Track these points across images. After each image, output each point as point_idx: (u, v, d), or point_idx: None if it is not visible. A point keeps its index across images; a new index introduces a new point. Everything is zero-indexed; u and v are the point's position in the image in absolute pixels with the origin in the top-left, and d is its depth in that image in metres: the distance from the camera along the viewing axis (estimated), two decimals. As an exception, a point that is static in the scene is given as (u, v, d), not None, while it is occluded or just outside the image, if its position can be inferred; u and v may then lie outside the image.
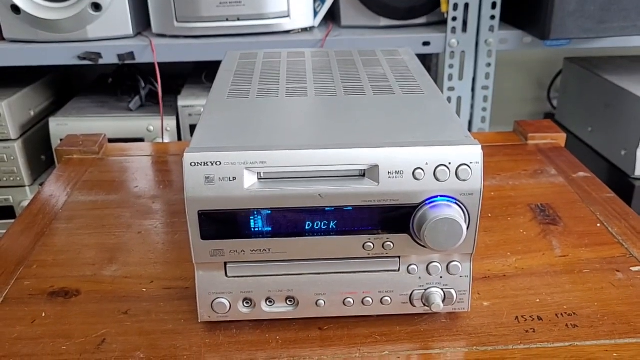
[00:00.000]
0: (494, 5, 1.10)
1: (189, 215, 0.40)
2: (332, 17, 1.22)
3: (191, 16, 1.09)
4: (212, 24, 1.10)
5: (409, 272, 0.43)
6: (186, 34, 1.11)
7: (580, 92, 1.29)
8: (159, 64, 1.10)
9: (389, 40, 1.13)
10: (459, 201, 0.40)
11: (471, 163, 0.39)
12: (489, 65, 1.15)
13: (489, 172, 0.69)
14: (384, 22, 1.16)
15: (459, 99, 1.18)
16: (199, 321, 0.44)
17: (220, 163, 0.39)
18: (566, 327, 0.45)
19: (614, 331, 0.44)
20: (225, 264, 0.43)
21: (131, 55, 1.10)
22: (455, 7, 1.10)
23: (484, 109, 1.19)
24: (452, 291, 0.44)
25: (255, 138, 0.42)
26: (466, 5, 1.10)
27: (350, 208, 0.40)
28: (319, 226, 0.41)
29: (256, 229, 0.41)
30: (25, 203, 1.17)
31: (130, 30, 1.12)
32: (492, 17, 1.11)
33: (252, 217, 0.40)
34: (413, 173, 0.39)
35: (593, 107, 1.23)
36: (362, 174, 0.40)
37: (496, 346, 0.43)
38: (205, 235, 0.41)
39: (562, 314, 0.46)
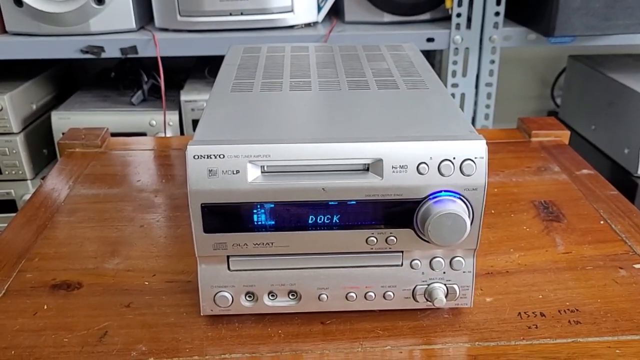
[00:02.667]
0: (498, 2, 1.10)
1: (191, 208, 0.40)
2: (336, 12, 1.22)
3: (194, 10, 1.09)
4: (215, 18, 1.09)
5: (412, 267, 0.43)
6: (189, 28, 1.11)
7: (584, 90, 1.28)
8: (162, 58, 1.10)
9: (392, 36, 1.12)
10: (463, 196, 0.40)
11: (476, 158, 0.39)
12: (492, 62, 1.14)
13: (493, 169, 0.69)
14: (388, 18, 1.16)
15: (463, 95, 1.18)
16: (201, 314, 0.44)
17: (224, 156, 0.39)
18: (569, 324, 0.45)
19: (617, 328, 0.44)
20: (228, 257, 0.42)
21: (134, 49, 1.10)
22: (460, 3, 1.10)
23: (488, 106, 1.19)
24: (455, 286, 0.44)
25: (258, 131, 0.42)
26: (470, 2, 1.10)
27: (354, 202, 0.40)
28: (322, 220, 0.41)
29: (259, 223, 0.41)
30: (27, 196, 1.17)
31: (133, 24, 1.12)
32: (497, 14, 1.11)
33: (255, 211, 0.40)
34: (417, 168, 0.39)
35: (597, 105, 1.23)
36: (366, 168, 0.40)
37: (498, 342, 0.43)
38: (208, 229, 0.41)
39: (564, 311, 0.46)
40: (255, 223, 0.41)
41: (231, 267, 0.43)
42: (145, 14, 1.16)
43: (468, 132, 0.41)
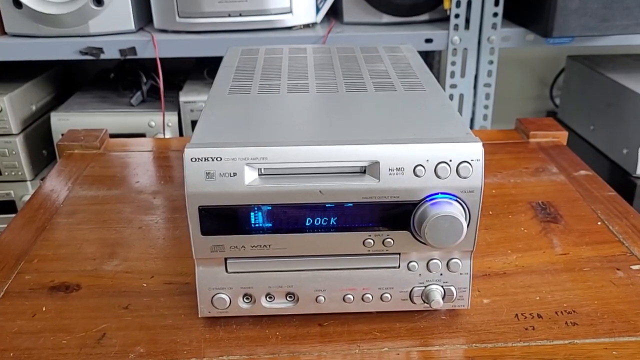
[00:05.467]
0: (496, 3, 1.10)
1: (189, 210, 0.40)
2: (335, 13, 1.22)
3: (193, 11, 1.09)
4: (214, 20, 1.09)
5: (409, 268, 0.43)
6: (188, 29, 1.11)
7: (583, 91, 1.28)
8: (161, 59, 1.10)
9: (391, 37, 1.12)
10: (459, 198, 0.40)
11: (472, 160, 0.39)
12: (491, 62, 1.15)
13: (491, 170, 0.69)
14: (386, 18, 1.16)
15: (461, 96, 1.18)
16: (199, 316, 0.45)
17: (221, 159, 0.39)
18: (566, 325, 0.45)
19: (614, 329, 0.44)
20: (226, 259, 0.43)
21: (133, 50, 1.10)
22: (458, 4, 1.10)
23: (486, 107, 1.19)
24: (452, 288, 0.44)
25: (256, 134, 0.42)
26: (469, 3, 1.10)
27: (351, 204, 0.40)
28: (319, 222, 0.41)
29: (256, 225, 0.41)
30: (27, 197, 1.17)
31: (132, 25, 1.12)
32: (495, 15, 1.11)
33: (252, 213, 0.40)
34: (414, 170, 0.39)
35: (595, 105, 1.23)
36: (363, 171, 0.40)
37: (496, 343, 0.43)
38: (205, 231, 0.41)
39: (561, 312, 0.46)
40: (253, 225, 0.41)
41: (229, 269, 0.43)
42: (144, 15, 1.16)
43: (465, 135, 0.41)
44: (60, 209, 0.62)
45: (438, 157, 0.39)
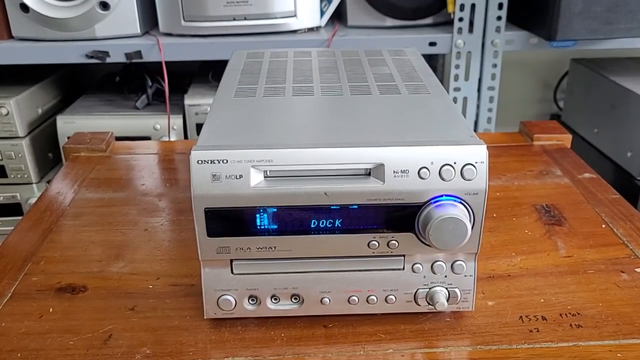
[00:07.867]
0: (500, 6, 1.10)
1: (195, 212, 0.40)
2: (339, 17, 1.22)
3: (198, 15, 1.10)
4: (219, 23, 1.10)
5: (413, 270, 0.44)
6: (193, 33, 1.12)
7: (587, 93, 1.28)
8: (166, 62, 1.11)
9: (395, 41, 1.13)
10: (463, 200, 0.40)
11: (476, 163, 0.40)
12: (495, 65, 1.15)
13: (495, 172, 0.70)
14: (390, 22, 1.17)
15: (465, 99, 1.18)
16: (205, 318, 0.45)
17: (227, 161, 0.39)
18: (570, 327, 0.45)
19: (618, 332, 0.44)
20: (231, 261, 0.43)
21: (138, 54, 1.11)
22: (462, 7, 1.10)
23: (490, 110, 1.19)
24: (457, 290, 0.44)
25: (261, 136, 0.43)
26: (472, 6, 1.10)
27: (356, 206, 0.40)
28: (324, 224, 0.41)
29: (262, 227, 0.41)
30: (33, 200, 1.18)
31: (137, 29, 1.12)
32: (499, 18, 1.11)
33: (258, 215, 0.41)
34: (418, 172, 0.40)
35: (599, 108, 1.23)
36: (368, 173, 0.40)
37: (500, 345, 0.43)
38: (211, 233, 0.41)
39: (566, 314, 0.46)
40: (258, 227, 0.41)
41: (234, 271, 0.43)
42: (149, 19, 1.17)
43: (469, 137, 0.41)
44: (67, 211, 0.63)
45: (442, 159, 0.39)
